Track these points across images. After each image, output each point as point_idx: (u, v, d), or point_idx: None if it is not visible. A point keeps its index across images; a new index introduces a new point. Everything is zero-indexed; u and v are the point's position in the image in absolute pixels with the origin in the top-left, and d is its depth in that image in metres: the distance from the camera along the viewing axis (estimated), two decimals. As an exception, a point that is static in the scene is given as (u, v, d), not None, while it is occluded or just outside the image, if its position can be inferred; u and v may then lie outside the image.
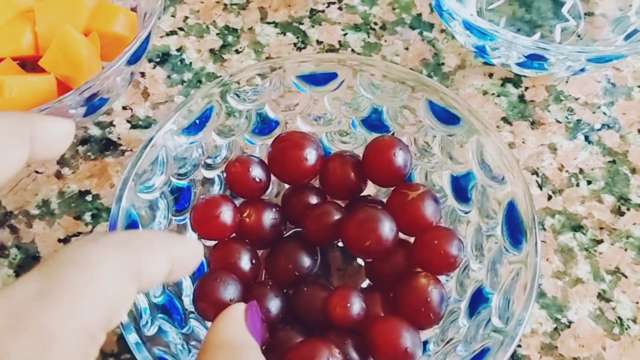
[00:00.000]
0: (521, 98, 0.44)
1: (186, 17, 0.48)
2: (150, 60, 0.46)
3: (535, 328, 0.36)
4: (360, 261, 0.37)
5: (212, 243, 0.34)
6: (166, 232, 0.33)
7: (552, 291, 0.37)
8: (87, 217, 0.40)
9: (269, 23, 0.48)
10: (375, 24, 0.47)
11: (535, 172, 0.41)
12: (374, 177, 0.35)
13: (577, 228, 0.39)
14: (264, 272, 0.35)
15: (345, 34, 0.47)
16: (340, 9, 0.48)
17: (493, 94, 0.44)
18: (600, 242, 0.39)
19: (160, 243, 0.21)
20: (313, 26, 0.47)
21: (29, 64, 0.42)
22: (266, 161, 0.35)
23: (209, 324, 0.31)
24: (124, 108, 0.44)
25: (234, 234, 0.33)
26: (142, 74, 0.45)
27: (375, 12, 0.48)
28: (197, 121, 0.34)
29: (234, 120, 0.35)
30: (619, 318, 0.37)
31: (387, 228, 0.31)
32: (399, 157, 0.33)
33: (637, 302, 0.37)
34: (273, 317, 0.31)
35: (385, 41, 0.47)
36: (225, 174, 0.34)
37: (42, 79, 0.38)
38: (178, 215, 0.34)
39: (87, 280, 0.18)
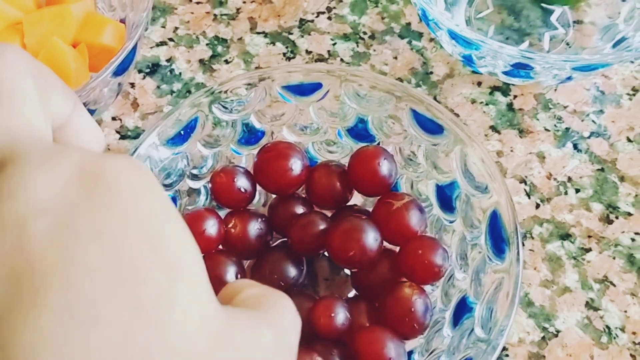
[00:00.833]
0: (510, 106, 0.44)
1: (176, 28, 0.48)
2: (140, 71, 0.46)
3: (523, 337, 0.36)
4: (347, 271, 0.37)
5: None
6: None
7: (540, 300, 0.37)
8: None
9: (258, 33, 0.48)
10: (365, 33, 0.48)
11: (523, 181, 0.41)
12: (359, 186, 0.35)
13: (565, 236, 0.39)
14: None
15: (334, 44, 0.47)
16: (329, 18, 0.48)
17: (482, 102, 0.44)
18: (589, 250, 0.39)
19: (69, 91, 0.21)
20: (302, 36, 0.48)
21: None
22: (252, 171, 0.35)
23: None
24: (114, 119, 0.44)
25: (219, 246, 0.34)
26: (132, 85, 0.45)
27: (365, 21, 0.48)
28: (182, 132, 0.34)
29: (220, 130, 0.35)
30: (607, 327, 0.36)
31: (371, 238, 0.31)
32: (384, 167, 0.33)
33: (625, 311, 0.37)
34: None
35: (374, 50, 0.47)
36: (210, 185, 0.34)
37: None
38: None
39: None
